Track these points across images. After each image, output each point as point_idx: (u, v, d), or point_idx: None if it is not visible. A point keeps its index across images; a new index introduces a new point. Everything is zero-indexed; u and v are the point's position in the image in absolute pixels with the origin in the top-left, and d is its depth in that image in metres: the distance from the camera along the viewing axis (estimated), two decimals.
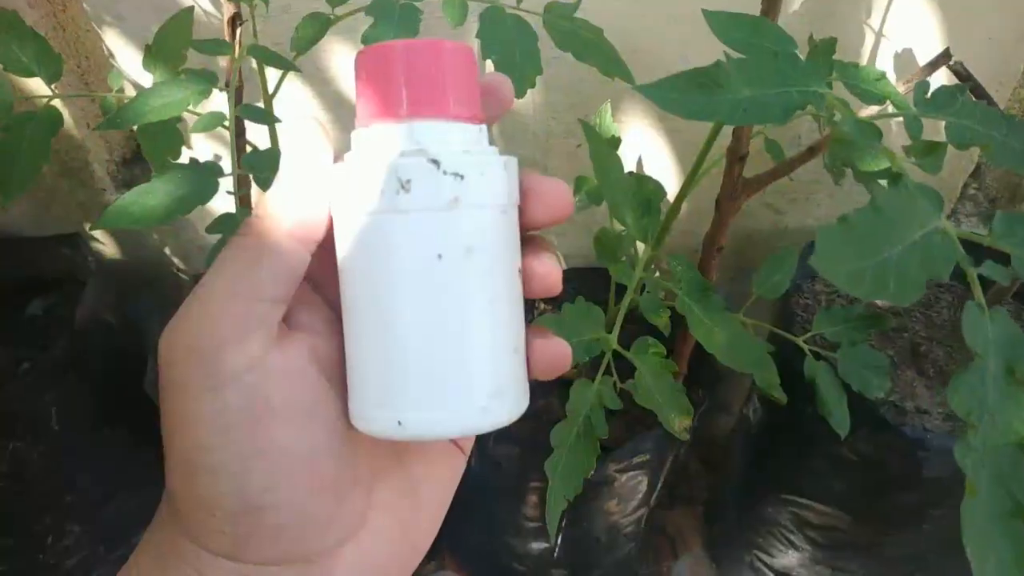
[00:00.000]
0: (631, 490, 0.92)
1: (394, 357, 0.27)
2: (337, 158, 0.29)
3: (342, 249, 0.28)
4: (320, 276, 0.30)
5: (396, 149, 0.27)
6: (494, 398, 0.27)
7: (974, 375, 0.28)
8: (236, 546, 0.26)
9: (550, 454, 0.60)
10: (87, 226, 1.09)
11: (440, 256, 0.26)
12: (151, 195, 0.50)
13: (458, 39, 0.28)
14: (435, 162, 0.26)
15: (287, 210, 0.27)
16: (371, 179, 0.26)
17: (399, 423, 0.27)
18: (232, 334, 0.26)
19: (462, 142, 0.27)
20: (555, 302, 1.03)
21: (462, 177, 0.26)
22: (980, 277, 0.31)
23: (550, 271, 0.29)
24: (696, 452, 1.37)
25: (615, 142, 0.86)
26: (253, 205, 0.58)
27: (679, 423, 0.58)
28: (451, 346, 0.26)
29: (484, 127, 0.29)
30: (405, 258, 0.26)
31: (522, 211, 0.29)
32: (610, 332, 0.61)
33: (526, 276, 0.29)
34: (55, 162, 1.00)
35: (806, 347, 0.76)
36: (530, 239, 0.30)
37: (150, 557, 0.28)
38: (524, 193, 0.29)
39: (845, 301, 0.94)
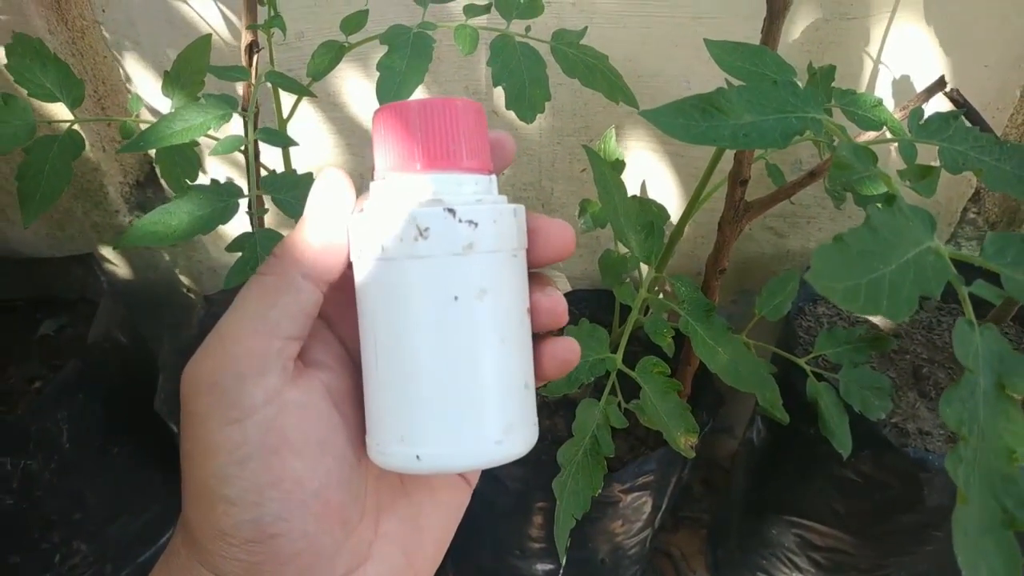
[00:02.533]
0: (636, 511, 0.92)
1: (411, 395, 0.28)
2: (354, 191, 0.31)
3: (362, 291, 0.30)
4: (334, 315, 0.32)
5: (414, 199, 0.29)
6: (507, 432, 0.29)
7: (965, 389, 0.29)
8: (249, 573, 0.28)
9: (556, 474, 0.61)
10: (107, 246, 1.11)
11: (456, 298, 0.28)
12: (173, 215, 0.51)
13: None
14: (451, 211, 0.28)
15: (304, 252, 0.29)
16: (391, 226, 0.28)
17: (417, 458, 0.28)
18: (251, 369, 0.27)
19: (475, 192, 0.29)
20: None
21: (476, 224, 0.28)
22: (975, 298, 0.32)
23: (556, 303, 0.31)
24: (699, 474, 1.38)
25: (619, 166, 0.88)
26: (268, 226, 0.60)
27: (685, 441, 0.58)
28: (466, 384, 0.28)
29: (494, 177, 0.31)
30: (422, 300, 0.28)
31: (528, 250, 0.31)
32: (615, 352, 0.62)
33: (534, 310, 0.31)
34: (70, 184, 1.02)
35: (808, 368, 0.77)
36: (534, 276, 0.32)
37: None
38: (530, 233, 0.31)
39: (847, 324, 0.95)
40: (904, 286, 0.28)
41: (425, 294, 0.28)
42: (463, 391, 0.28)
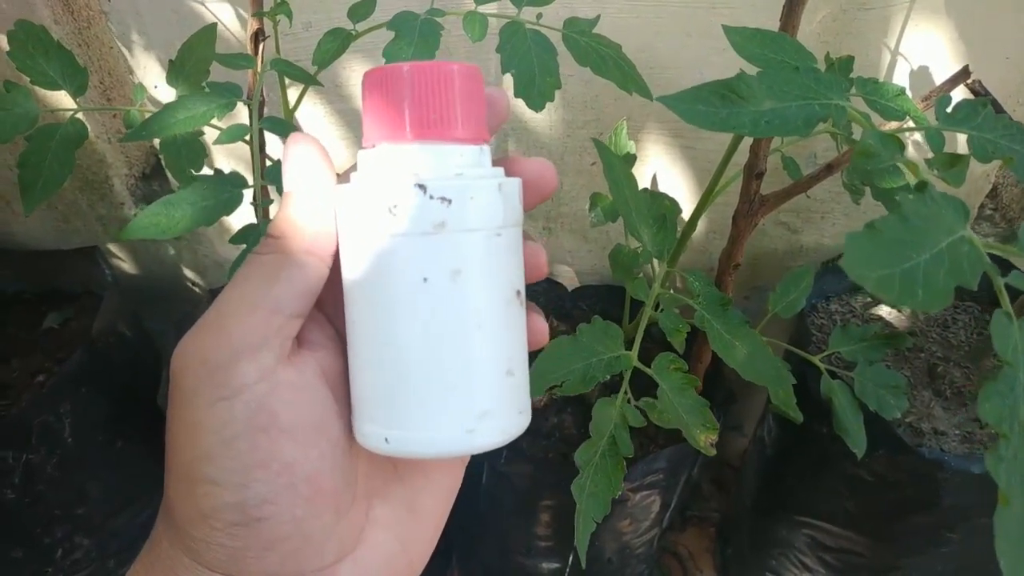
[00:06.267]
0: (644, 509, 0.91)
1: (383, 376, 0.27)
2: (343, 171, 0.30)
3: (343, 269, 0.28)
4: (323, 295, 0.30)
5: (390, 173, 0.27)
6: (480, 421, 0.27)
7: (1003, 384, 0.27)
8: (233, 559, 0.26)
9: (563, 472, 0.60)
10: (111, 238, 1.10)
11: (425, 280, 0.26)
12: (177, 206, 0.50)
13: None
14: (422, 187, 0.26)
15: (303, 227, 0.28)
16: (365, 203, 0.26)
17: (386, 440, 0.27)
18: (247, 346, 0.26)
19: (458, 165, 0.27)
20: (570, 321, 1.03)
21: (449, 202, 0.26)
22: (1007, 288, 0.31)
23: (535, 254, 0.30)
24: (708, 473, 1.36)
25: (630, 159, 0.87)
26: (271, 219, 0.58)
27: (705, 438, 0.57)
28: (435, 368, 0.27)
29: (486, 147, 0.29)
30: (393, 281, 0.26)
31: None
32: (629, 349, 0.61)
33: None
34: (75, 177, 1.01)
35: (822, 366, 0.75)
36: None
37: (145, 571, 0.28)
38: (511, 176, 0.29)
39: (860, 321, 0.94)
40: (939, 276, 0.27)
41: (395, 274, 0.26)
42: (432, 376, 0.27)
